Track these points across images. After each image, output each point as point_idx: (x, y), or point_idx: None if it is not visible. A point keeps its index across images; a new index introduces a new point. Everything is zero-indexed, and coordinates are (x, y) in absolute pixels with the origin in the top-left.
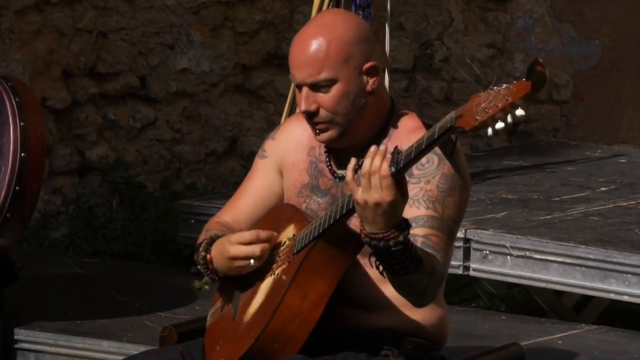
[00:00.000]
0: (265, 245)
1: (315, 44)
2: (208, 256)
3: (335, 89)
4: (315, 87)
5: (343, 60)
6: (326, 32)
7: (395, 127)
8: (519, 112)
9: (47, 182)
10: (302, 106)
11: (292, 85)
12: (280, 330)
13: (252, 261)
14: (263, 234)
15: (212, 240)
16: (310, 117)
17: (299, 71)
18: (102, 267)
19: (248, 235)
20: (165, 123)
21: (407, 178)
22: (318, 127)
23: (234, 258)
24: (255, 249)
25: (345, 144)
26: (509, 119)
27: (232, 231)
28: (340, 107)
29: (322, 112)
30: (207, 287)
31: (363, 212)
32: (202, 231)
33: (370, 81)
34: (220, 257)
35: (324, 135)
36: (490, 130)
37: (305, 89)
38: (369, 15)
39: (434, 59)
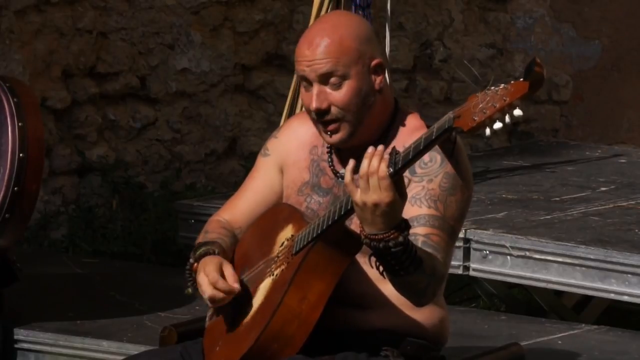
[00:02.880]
0: (218, 294)
1: (326, 40)
2: (195, 265)
3: (346, 86)
4: (326, 82)
5: (354, 58)
6: (335, 31)
7: (400, 126)
8: (517, 112)
9: (47, 182)
10: (314, 104)
11: (292, 85)
12: (279, 331)
13: (205, 297)
14: (222, 284)
15: (206, 254)
16: (321, 115)
17: (310, 66)
18: (102, 267)
19: (212, 275)
20: (165, 123)
21: (410, 176)
22: (329, 127)
23: (198, 285)
24: (207, 292)
25: (354, 143)
26: (507, 119)
27: (232, 231)
28: (352, 105)
29: (334, 110)
30: (190, 290)
31: (362, 213)
32: (201, 232)
33: (378, 79)
34: (197, 274)
35: (336, 137)
36: (488, 131)
37: (316, 87)
38: (369, 15)
39: (434, 59)
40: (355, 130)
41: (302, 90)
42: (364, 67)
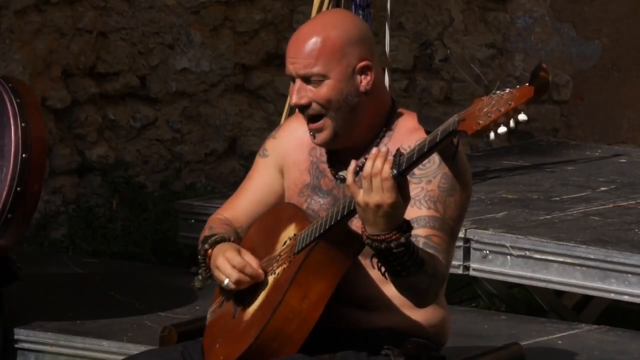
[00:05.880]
0: (244, 277)
1: (312, 39)
2: (210, 251)
3: (326, 85)
4: (307, 80)
5: (336, 59)
6: (323, 30)
7: (395, 127)
8: (522, 116)
9: (47, 182)
10: (294, 99)
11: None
12: (279, 329)
13: (226, 281)
14: (249, 269)
15: (222, 240)
16: (302, 110)
17: (293, 63)
18: (102, 267)
19: (237, 260)
20: (165, 123)
21: (409, 178)
22: (312, 126)
23: (217, 268)
24: (233, 274)
25: (342, 145)
26: (512, 123)
27: (233, 228)
28: (332, 102)
29: (314, 105)
30: (197, 284)
31: (364, 214)
32: (204, 228)
33: (364, 81)
34: (214, 259)
35: (320, 137)
36: (492, 135)
37: (297, 82)
38: (369, 15)
39: (434, 59)
40: (339, 131)
41: (291, 83)
42: (348, 68)
